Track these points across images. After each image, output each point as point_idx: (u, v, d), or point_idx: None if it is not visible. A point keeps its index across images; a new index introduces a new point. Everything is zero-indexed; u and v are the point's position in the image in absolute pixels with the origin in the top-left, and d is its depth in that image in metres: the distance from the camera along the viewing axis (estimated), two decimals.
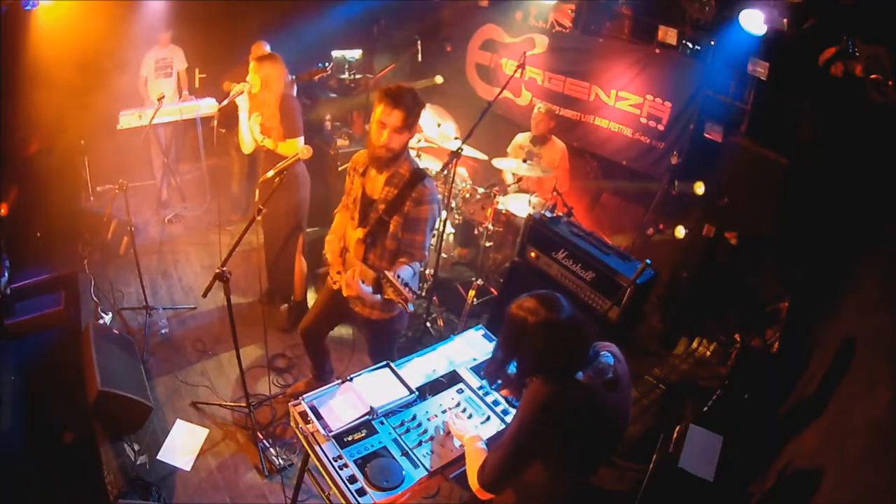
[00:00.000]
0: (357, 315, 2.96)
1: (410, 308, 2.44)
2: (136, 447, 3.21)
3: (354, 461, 2.11)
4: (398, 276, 2.32)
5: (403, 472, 2.10)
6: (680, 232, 4.55)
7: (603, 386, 1.83)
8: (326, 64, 4.54)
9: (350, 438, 2.20)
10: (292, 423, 2.36)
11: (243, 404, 3.30)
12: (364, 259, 2.74)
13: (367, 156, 2.67)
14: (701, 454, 2.85)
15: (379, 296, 2.56)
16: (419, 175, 2.64)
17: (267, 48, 4.91)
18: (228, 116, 3.95)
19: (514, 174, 4.93)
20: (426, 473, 2.12)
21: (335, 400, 2.36)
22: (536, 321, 1.79)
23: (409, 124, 2.55)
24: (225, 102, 3.66)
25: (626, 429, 2.04)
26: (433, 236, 4.30)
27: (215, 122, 3.77)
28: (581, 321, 1.84)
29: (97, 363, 3.27)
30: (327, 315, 3.15)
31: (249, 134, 3.76)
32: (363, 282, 2.59)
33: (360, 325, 3.32)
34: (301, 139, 3.68)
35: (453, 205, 4.59)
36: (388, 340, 3.10)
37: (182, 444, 3.28)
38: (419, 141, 4.74)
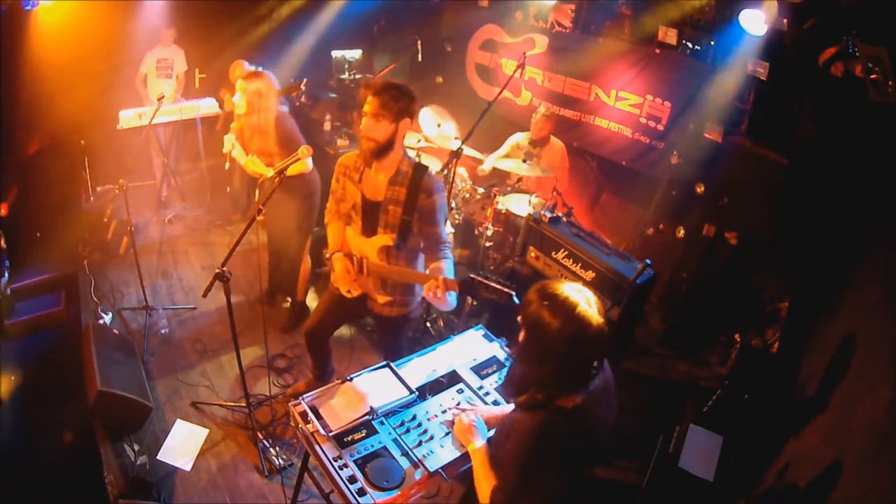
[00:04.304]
0: (375, 314, 2.98)
1: (516, 301, 2.12)
2: (136, 447, 3.21)
3: (354, 461, 2.11)
4: (486, 277, 2.23)
5: (403, 472, 2.10)
6: (680, 232, 4.56)
7: (592, 399, 1.70)
8: (295, 80, 4.46)
9: (350, 438, 2.20)
10: (292, 423, 2.36)
11: (243, 404, 3.30)
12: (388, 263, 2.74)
13: (359, 154, 2.67)
14: (701, 454, 2.85)
15: (454, 303, 2.43)
16: (421, 169, 2.67)
17: (246, 66, 4.74)
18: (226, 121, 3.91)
19: (497, 167, 4.86)
20: (426, 473, 2.12)
21: (335, 400, 2.35)
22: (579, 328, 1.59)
23: (389, 112, 2.50)
24: (227, 166, 3.54)
25: (613, 435, 1.90)
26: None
27: (218, 127, 3.70)
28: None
29: (97, 363, 3.27)
30: (333, 317, 3.17)
31: (258, 169, 3.63)
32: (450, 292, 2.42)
33: (377, 324, 3.33)
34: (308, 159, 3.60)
35: (453, 205, 4.59)
36: (402, 335, 3.15)
37: (182, 445, 3.28)
38: (419, 141, 4.74)
